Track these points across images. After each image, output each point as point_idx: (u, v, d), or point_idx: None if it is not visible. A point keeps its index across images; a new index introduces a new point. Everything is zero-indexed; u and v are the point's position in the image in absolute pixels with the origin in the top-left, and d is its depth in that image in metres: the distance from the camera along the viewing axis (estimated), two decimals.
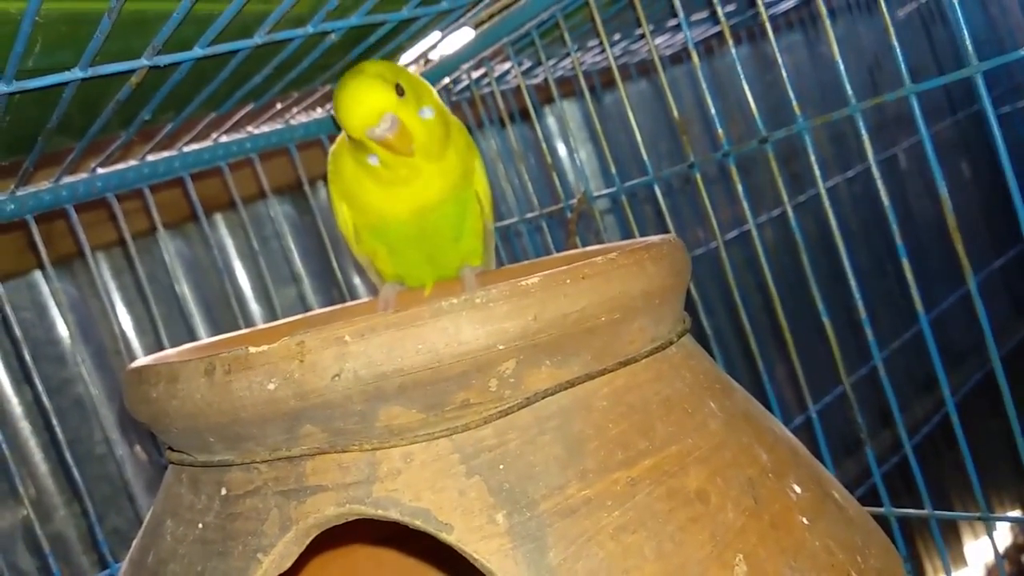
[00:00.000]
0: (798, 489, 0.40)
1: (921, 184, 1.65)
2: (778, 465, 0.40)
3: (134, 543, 0.44)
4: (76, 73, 0.46)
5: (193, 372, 0.37)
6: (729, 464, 0.38)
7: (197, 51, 0.49)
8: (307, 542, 0.37)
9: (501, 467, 0.35)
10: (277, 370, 0.35)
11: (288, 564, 0.37)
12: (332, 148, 0.61)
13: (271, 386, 0.35)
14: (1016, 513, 1.56)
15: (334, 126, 0.84)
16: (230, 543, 0.37)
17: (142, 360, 0.46)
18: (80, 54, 0.45)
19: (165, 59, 0.48)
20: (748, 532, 0.36)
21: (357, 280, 1.04)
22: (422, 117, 0.55)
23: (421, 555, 0.60)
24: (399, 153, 0.53)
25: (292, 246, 0.87)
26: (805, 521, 0.38)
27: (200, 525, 0.39)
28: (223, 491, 0.39)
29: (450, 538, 0.34)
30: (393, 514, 0.35)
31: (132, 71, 0.48)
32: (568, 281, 0.37)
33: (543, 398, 0.37)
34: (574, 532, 0.34)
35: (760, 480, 0.39)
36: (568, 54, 0.88)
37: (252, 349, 0.36)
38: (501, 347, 0.35)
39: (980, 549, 1.61)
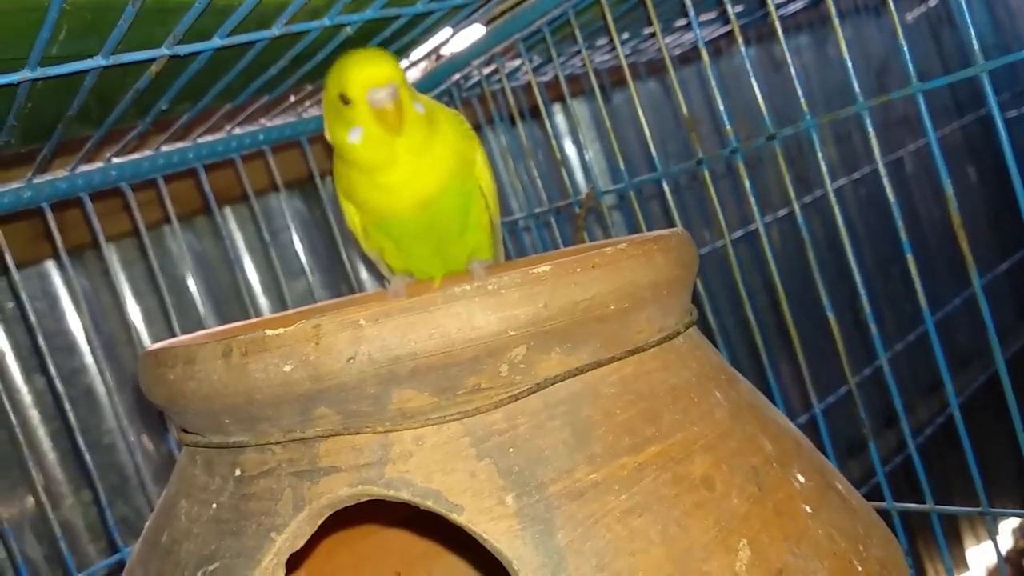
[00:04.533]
0: (801, 478, 0.41)
1: (927, 188, 1.65)
2: (782, 455, 0.41)
3: (147, 523, 0.45)
4: (99, 61, 0.47)
5: (210, 354, 0.38)
6: (734, 452, 0.39)
7: (216, 41, 0.50)
8: (320, 522, 0.37)
9: (511, 450, 0.36)
10: (293, 352, 0.36)
11: (301, 543, 0.37)
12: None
13: (287, 368, 0.36)
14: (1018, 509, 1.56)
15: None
16: (244, 522, 0.38)
17: (159, 343, 0.46)
18: (103, 42, 0.46)
19: (185, 48, 0.49)
20: (752, 518, 0.37)
21: (365, 275, 1.05)
22: (416, 108, 0.56)
23: (435, 538, 0.61)
24: (388, 126, 0.54)
25: (301, 240, 0.87)
26: (808, 509, 0.39)
27: (214, 505, 0.40)
28: (237, 472, 0.40)
29: (460, 519, 0.35)
30: (404, 495, 0.36)
31: (152, 60, 0.49)
32: (579, 270, 0.37)
33: (552, 384, 0.37)
34: (582, 514, 0.35)
35: (764, 468, 0.39)
36: (579, 51, 0.88)
37: (269, 332, 0.36)
38: (512, 333, 0.36)
39: (981, 552, 1.61)
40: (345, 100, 0.54)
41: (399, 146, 0.56)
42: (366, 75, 0.53)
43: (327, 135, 0.59)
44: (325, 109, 0.57)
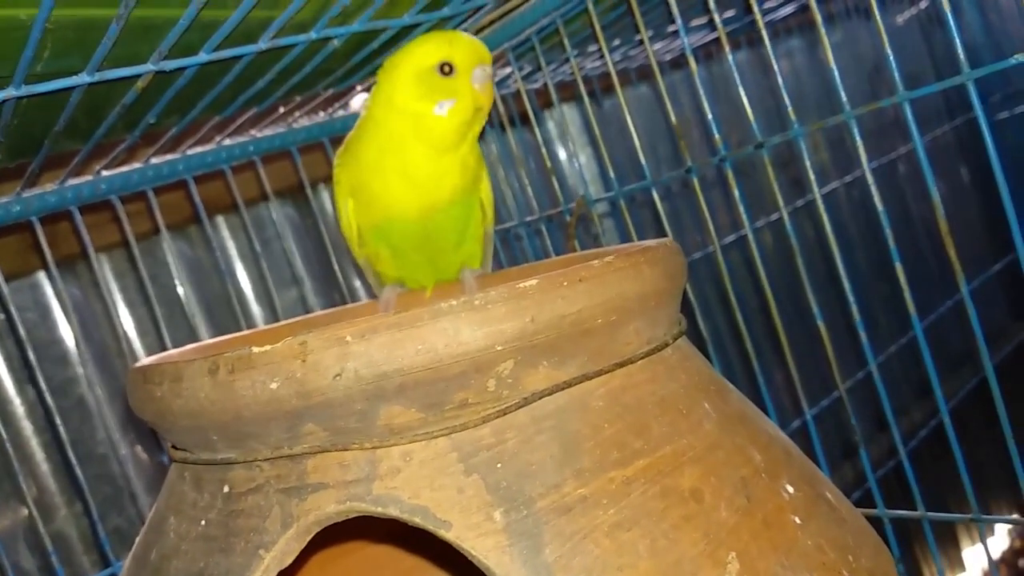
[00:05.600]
0: (791, 489, 0.41)
1: (920, 190, 1.65)
2: (771, 465, 0.41)
3: (137, 540, 0.45)
4: (84, 78, 0.47)
5: (197, 371, 0.38)
6: (723, 464, 0.39)
7: (202, 56, 0.50)
8: (308, 539, 0.37)
9: (499, 466, 0.36)
10: (280, 369, 0.36)
11: (289, 560, 0.37)
12: (341, 148, 0.61)
13: (274, 385, 0.36)
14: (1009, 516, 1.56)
15: (337, 128, 0.85)
16: (232, 540, 0.38)
17: (147, 360, 0.46)
18: (88, 59, 0.46)
19: (171, 64, 0.49)
20: (741, 530, 0.37)
21: (358, 283, 1.05)
22: None
23: (423, 554, 0.61)
24: (480, 104, 0.56)
25: (293, 248, 0.87)
26: (797, 520, 0.39)
27: (203, 522, 0.40)
28: (226, 489, 0.40)
29: (448, 535, 0.35)
30: (392, 511, 0.36)
31: (138, 76, 0.49)
32: (565, 284, 0.37)
33: (540, 398, 0.37)
34: (570, 529, 0.35)
35: (753, 480, 0.39)
36: (568, 59, 0.88)
37: (255, 349, 0.36)
38: (499, 348, 0.36)
39: (977, 554, 1.62)
40: (447, 70, 0.55)
41: (472, 131, 0.57)
42: (478, 51, 0.56)
43: (395, 105, 0.57)
44: (399, 77, 0.56)
